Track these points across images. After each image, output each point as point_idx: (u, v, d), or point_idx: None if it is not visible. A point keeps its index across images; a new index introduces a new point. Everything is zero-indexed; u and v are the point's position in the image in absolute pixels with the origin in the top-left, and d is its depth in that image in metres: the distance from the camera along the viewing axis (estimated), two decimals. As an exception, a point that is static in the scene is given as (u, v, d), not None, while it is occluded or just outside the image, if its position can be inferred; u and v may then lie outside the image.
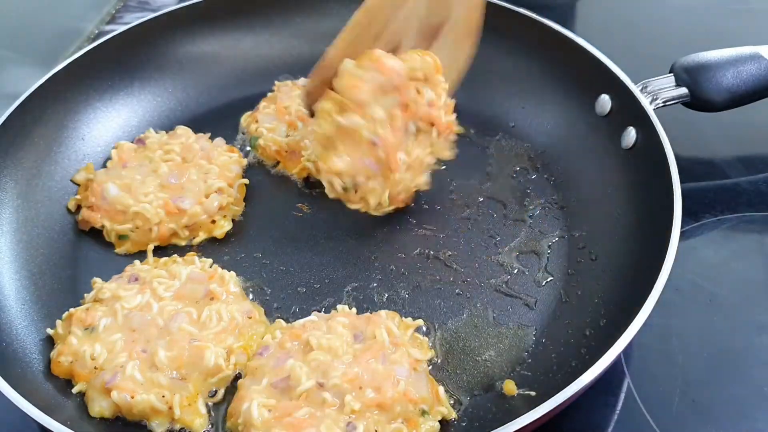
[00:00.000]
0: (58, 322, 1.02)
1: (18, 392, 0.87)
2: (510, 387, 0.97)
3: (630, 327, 0.88)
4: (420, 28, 1.10)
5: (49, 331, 1.02)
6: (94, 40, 1.54)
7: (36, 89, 1.20)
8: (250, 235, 1.17)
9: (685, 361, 1.03)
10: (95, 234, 1.16)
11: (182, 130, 1.25)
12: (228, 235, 1.17)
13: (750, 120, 1.32)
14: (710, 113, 1.18)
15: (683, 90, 1.16)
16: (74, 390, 0.95)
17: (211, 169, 1.18)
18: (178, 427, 0.93)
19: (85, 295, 1.05)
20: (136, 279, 1.04)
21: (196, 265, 1.07)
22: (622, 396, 1.00)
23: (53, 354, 0.98)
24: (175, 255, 1.10)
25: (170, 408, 0.92)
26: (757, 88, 1.17)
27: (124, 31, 1.32)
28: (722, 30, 1.57)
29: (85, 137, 1.27)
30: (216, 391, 0.96)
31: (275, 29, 1.41)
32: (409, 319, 1.01)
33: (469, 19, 1.13)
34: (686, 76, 1.17)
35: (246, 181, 1.22)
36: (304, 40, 1.41)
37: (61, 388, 0.97)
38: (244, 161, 1.24)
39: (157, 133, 1.26)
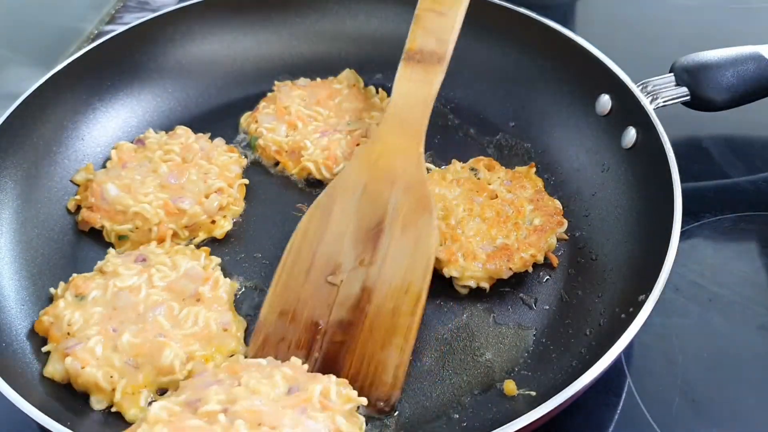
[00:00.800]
0: (61, 284, 1.06)
1: (18, 392, 0.87)
2: (510, 387, 0.97)
3: (630, 327, 0.88)
4: (355, 238, 1.02)
5: (52, 290, 1.06)
6: (94, 40, 1.54)
7: (36, 89, 1.20)
8: (250, 235, 1.17)
9: (685, 361, 1.03)
10: (95, 234, 1.16)
11: (182, 130, 1.25)
12: (228, 235, 1.17)
13: (750, 120, 1.32)
14: (710, 113, 1.18)
15: (683, 90, 1.16)
16: (43, 349, 0.99)
17: (211, 169, 1.18)
18: (114, 410, 0.95)
19: (99, 262, 1.08)
20: (144, 260, 1.06)
21: (199, 262, 1.07)
22: (623, 396, 1.00)
23: (42, 312, 1.02)
24: (192, 245, 1.12)
25: (113, 390, 0.94)
26: (757, 88, 1.17)
27: (124, 31, 1.32)
28: (722, 30, 1.57)
29: (84, 137, 1.26)
30: (167, 391, 0.96)
31: (275, 29, 1.41)
32: (355, 393, 0.91)
33: (414, 192, 1.03)
34: (686, 75, 1.17)
35: (246, 181, 1.21)
36: (304, 40, 1.41)
37: (61, 389, 0.97)
38: (244, 161, 1.24)
39: (156, 133, 1.26)
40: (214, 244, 1.15)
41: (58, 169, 1.22)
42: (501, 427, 0.81)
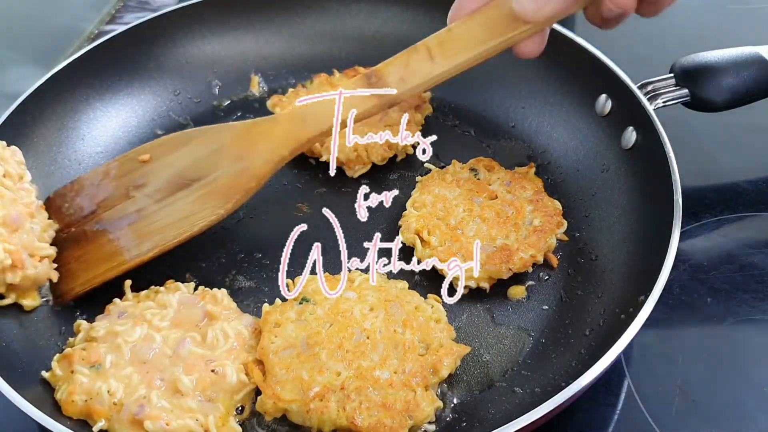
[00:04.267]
0: (54, 364, 0.97)
1: (18, 392, 0.87)
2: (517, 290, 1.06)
3: (630, 327, 0.88)
4: (174, 175, 1.10)
5: (44, 374, 0.97)
6: (94, 40, 1.54)
7: (36, 89, 1.20)
8: (250, 235, 1.17)
9: (685, 361, 1.03)
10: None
11: None
12: (227, 235, 1.16)
13: (750, 120, 1.32)
14: (710, 113, 1.18)
15: (683, 90, 1.16)
16: (95, 429, 0.91)
17: None
18: None
19: (70, 339, 1.02)
20: (124, 313, 1.01)
21: (182, 291, 1.04)
22: (622, 396, 1.00)
23: (61, 395, 0.93)
24: (154, 286, 1.07)
25: (206, 430, 0.91)
26: (757, 88, 1.16)
27: (124, 31, 1.32)
28: (722, 30, 1.57)
29: (85, 137, 1.27)
30: (243, 408, 0.96)
31: (275, 29, 1.41)
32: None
33: (241, 183, 1.07)
34: (686, 76, 1.17)
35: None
36: (304, 40, 1.41)
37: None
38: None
39: None
40: (213, 244, 1.15)
41: (58, 169, 1.22)
42: (501, 427, 0.81)
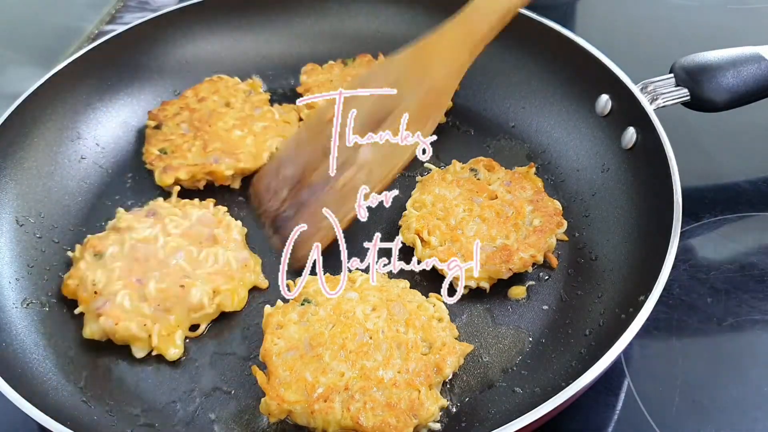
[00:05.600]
0: (78, 246, 1.10)
1: (18, 392, 0.87)
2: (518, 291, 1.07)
3: (630, 327, 0.88)
4: (363, 118, 1.05)
5: (69, 253, 1.10)
6: (94, 40, 1.54)
7: (36, 89, 1.20)
8: (250, 235, 1.17)
9: (685, 361, 1.03)
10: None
11: None
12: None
13: (750, 120, 1.32)
14: (710, 113, 1.18)
15: (683, 90, 1.16)
16: (76, 311, 1.03)
17: None
18: (155, 353, 1.01)
19: (109, 221, 1.13)
20: (154, 214, 1.10)
21: (209, 210, 1.13)
22: (622, 396, 1.00)
23: (66, 275, 1.07)
24: (197, 199, 1.16)
25: (149, 336, 1.00)
26: (757, 89, 1.17)
27: (124, 31, 1.32)
28: (722, 30, 1.57)
29: (85, 137, 1.27)
30: (198, 326, 1.04)
31: (275, 29, 1.41)
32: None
33: (424, 108, 1.07)
34: (686, 76, 1.17)
35: None
36: (304, 40, 1.41)
37: (59, 389, 0.97)
38: None
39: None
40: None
41: (58, 169, 1.22)
42: (501, 427, 0.81)
